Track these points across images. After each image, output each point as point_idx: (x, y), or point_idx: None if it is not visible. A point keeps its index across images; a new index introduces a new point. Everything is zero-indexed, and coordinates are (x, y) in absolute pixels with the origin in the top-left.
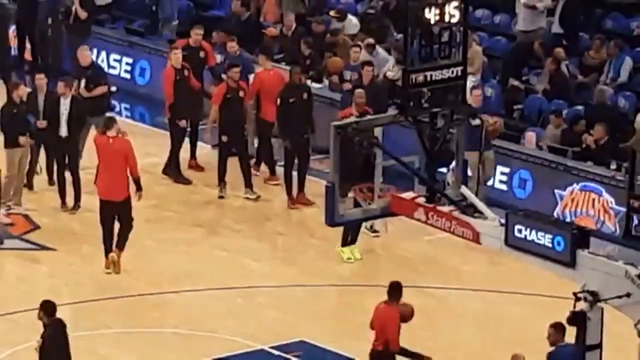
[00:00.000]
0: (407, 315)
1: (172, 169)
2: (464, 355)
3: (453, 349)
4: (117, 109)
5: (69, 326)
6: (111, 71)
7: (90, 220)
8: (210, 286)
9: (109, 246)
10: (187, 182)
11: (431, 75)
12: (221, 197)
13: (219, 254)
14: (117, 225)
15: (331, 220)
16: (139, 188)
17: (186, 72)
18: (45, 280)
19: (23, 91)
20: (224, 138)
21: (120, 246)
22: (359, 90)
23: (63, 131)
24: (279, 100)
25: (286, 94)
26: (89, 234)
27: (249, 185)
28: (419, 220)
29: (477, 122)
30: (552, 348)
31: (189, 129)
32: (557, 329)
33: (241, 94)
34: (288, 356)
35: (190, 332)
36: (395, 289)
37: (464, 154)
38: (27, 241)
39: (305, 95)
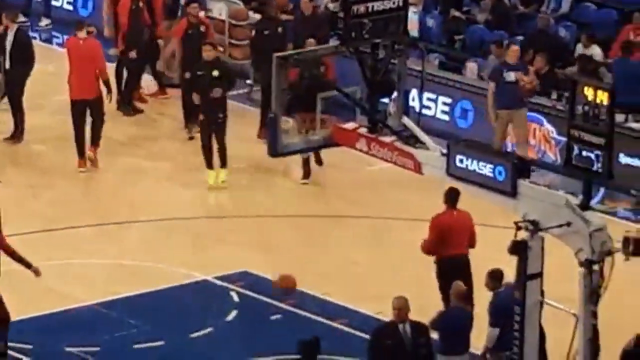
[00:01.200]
0: None
1: (124, 104)
2: (407, 285)
3: (395, 278)
4: (59, 40)
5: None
6: (54, 2)
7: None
8: (152, 217)
9: (82, 147)
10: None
11: (372, 6)
12: (191, 138)
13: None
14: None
15: (274, 150)
16: (109, 90)
17: (141, 4)
18: None
19: None
20: (187, 74)
21: (95, 142)
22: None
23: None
24: (253, 32)
25: (261, 26)
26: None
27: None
28: (360, 150)
29: (511, 78)
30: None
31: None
32: (493, 276)
33: (202, 29)
34: (232, 286)
35: (134, 263)
36: (456, 193)
37: (405, 85)
38: None
39: (280, 29)
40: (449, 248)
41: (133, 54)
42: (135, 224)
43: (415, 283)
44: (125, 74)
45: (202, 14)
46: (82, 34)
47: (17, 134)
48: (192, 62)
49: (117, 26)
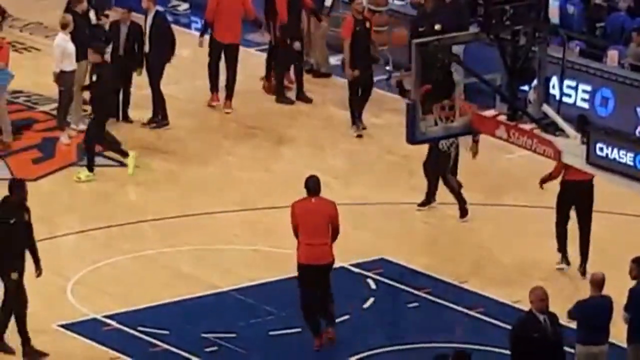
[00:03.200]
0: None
1: (277, 89)
2: (543, 274)
3: (533, 267)
4: (197, 25)
5: (149, 243)
6: None
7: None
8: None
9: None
10: (290, 102)
11: None
12: (359, 136)
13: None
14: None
15: (412, 137)
16: (259, 25)
17: None
18: (123, 197)
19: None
20: (356, 72)
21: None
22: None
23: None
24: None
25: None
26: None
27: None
28: (500, 138)
29: None
30: (634, 283)
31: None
32: (638, 264)
33: (367, 25)
34: (369, 274)
35: (268, 249)
36: (314, 181)
37: (545, 72)
38: (106, 157)
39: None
40: (304, 236)
41: (298, 45)
42: (272, 210)
43: (550, 273)
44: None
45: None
46: None
47: (158, 120)
48: (361, 60)
49: (272, 14)
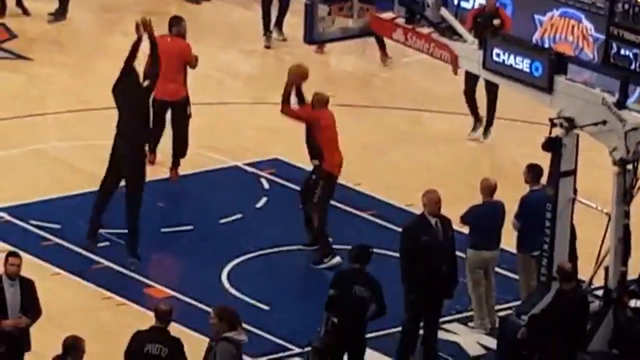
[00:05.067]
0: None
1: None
2: (437, 177)
3: (426, 170)
4: None
5: (43, 136)
6: None
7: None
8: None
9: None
10: None
11: None
12: (267, 47)
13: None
14: None
15: (310, 37)
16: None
17: None
18: (20, 90)
19: None
20: None
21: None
22: None
23: None
24: None
25: None
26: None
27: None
28: (397, 41)
29: None
30: (526, 191)
31: None
32: (532, 170)
33: None
34: (263, 173)
35: (162, 147)
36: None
37: None
38: (4, 50)
39: None
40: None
41: None
42: None
43: (444, 177)
44: None
45: None
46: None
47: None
48: None
49: None
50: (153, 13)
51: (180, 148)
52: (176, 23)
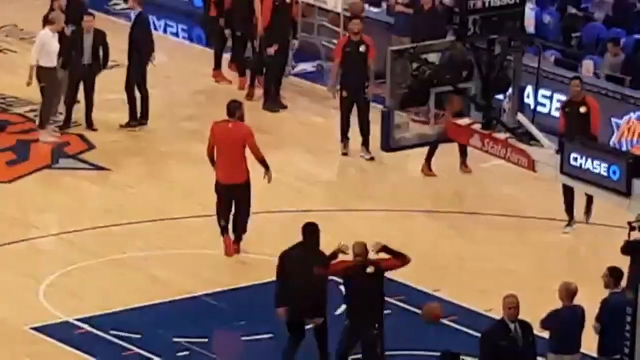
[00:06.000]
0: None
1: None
2: (517, 282)
3: (507, 276)
4: (175, 30)
5: (121, 247)
6: None
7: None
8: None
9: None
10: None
11: (489, 2)
12: (345, 154)
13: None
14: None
15: (387, 145)
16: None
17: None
18: (99, 201)
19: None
20: (344, 93)
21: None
22: (354, 21)
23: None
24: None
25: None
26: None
27: (365, 144)
28: (474, 147)
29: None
30: (607, 294)
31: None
32: (613, 273)
33: (362, 49)
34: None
35: (246, 256)
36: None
37: (521, 81)
38: (83, 161)
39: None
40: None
41: (272, 51)
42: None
43: (523, 282)
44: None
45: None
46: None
47: (136, 121)
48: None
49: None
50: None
51: (243, 223)
52: (236, 107)
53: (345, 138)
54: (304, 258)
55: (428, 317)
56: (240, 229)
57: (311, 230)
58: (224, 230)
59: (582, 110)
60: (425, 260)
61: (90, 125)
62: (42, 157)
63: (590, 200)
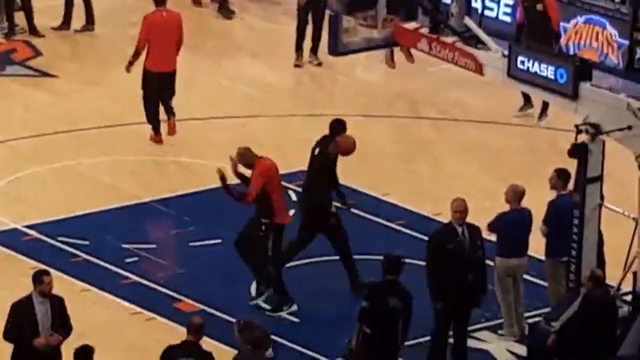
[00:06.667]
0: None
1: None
2: (463, 185)
3: (453, 178)
4: None
5: (69, 154)
6: None
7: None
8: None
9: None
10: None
11: None
12: (297, 65)
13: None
14: None
15: (335, 49)
16: None
17: None
18: (47, 107)
19: None
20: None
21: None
22: None
23: None
24: None
25: None
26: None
27: (314, 49)
28: (422, 50)
29: None
30: (554, 196)
31: None
32: (560, 175)
33: None
34: (290, 186)
35: (190, 161)
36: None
37: None
38: (29, 67)
39: None
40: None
41: None
42: (193, 121)
43: (472, 186)
44: None
45: None
46: None
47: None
48: None
49: None
50: (186, 27)
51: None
52: None
53: (299, 49)
54: None
55: (343, 149)
56: (169, 108)
57: None
58: (157, 130)
59: (539, 7)
60: (375, 165)
61: (33, 31)
62: None
63: (546, 104)
